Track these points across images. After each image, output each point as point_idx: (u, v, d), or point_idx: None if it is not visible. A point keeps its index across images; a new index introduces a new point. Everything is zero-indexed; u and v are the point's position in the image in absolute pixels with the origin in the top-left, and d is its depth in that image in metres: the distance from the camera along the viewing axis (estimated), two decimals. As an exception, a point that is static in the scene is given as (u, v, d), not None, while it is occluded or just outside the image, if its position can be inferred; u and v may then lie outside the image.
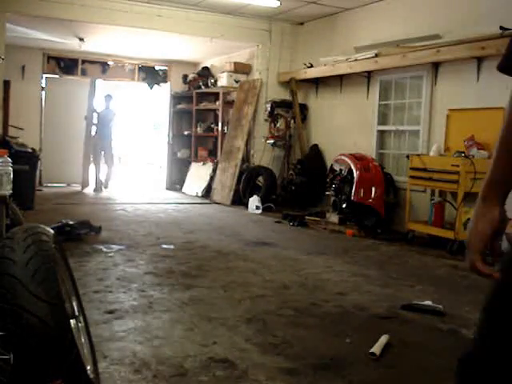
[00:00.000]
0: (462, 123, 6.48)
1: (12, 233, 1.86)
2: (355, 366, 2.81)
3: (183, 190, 11.18)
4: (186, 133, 11.89)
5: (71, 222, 5.86)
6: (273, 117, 9.47)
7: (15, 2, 8.09)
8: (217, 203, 9.57)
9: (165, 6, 8.85)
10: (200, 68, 12.11)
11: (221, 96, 10.59)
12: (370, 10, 8.14)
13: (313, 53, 9.22)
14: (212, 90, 11.10)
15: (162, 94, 12.70)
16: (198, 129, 11.62)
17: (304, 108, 9.51)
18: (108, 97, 11.42)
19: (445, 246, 5.98)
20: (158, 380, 2.54)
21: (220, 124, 10.67)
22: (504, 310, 1.21)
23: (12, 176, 2.65)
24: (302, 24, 9.78)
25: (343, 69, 8.21)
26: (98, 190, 10.73)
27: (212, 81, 11.21)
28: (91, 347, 2.23)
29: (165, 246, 5.68)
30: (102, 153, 11.08)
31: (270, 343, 3.06)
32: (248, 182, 9.40)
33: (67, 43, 10.61)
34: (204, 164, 10.83)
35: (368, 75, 8.04)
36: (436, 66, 6.88)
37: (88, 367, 1.99)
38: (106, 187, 11.01)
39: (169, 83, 12.32)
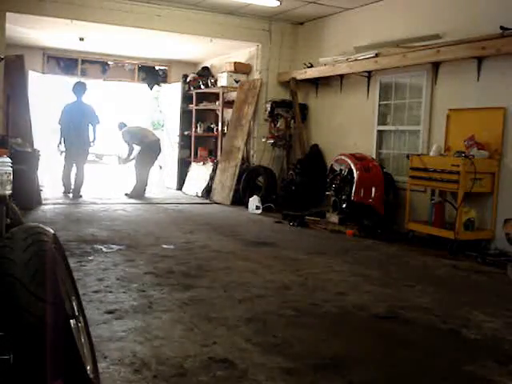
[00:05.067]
0: (462, 123, 6.48)
1: (12, 233, 1.85)
2: (355, 366, 2.81)
3: (183, 189, 11.18)
4: (186, 133, 11.89)
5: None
6: (273, 117, 9.47)
7: (15, 2, 8.09)
8: (217, 203, 9.57)
9: (165, 6, 8.85)
10: (200, 68, 12.10)
11: (221, 96, 10.59)
12: (369, 9, 8.14)
13: (313, 53, 9.22)
14: (212, 90, 11.09)
15: (166, 94, 12.68)
16: (198, 129, 11.62)
17: (304, 108, 9.51)
18: (79, 86, 9.54)
19: (445, 246, 5.98)
20: (158, 380, 2.54)
21: (220, 124, 10.67)
22: None
23: (12, 176, 2.65)
24: (302, 24, 9.78)
25: (343, 69, 8.21)
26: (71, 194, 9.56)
27: (212, 81, 11.21)
28: (91, 347, 2.23)
29: (165, 246, 5.68)
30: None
31: (270, 343, 3.06)
32: (248, 182, 9.40)
33: (67, 43, 10.62)
34: (204, 164, 10.83)
35: (368, 75, 8.04)
36: (436, 65, 6.88)
37: (88, 367, 1.99)
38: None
39: (180, 83, 11.93)
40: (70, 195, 9.53)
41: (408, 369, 2.86)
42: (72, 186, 9.61)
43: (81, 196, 9.46)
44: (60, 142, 9.52)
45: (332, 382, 2.62)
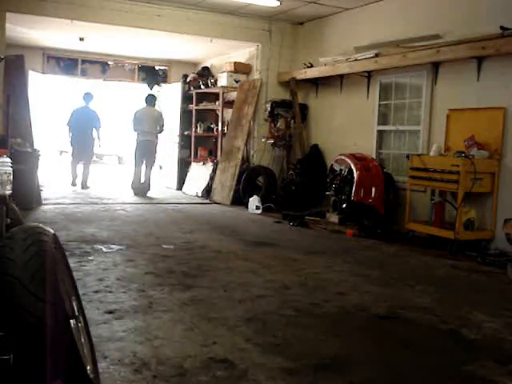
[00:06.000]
0: (462, 123, 6.48)
1: (12, 233, 1.86)
2: (355, 366, 2.81)
3: (183, 189, 11.18)
4: (186, 133, 11.89)
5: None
6: (273, 117, 9.47)
7: (15, 2, 8.09)
8: (217, 203, 9.57)
9: (165, 6, 8.85)
10: (200, 68, 12.10)
11: (221, 96, 10.59)
12: (369, 10, 8.14)
13: (313, 53, 9.22)
14: (212, 90, 11.09)
15: (166, 94, 12.67)
16: (198, 129, 11.62)
17: (304, 108, 9.51)
18: (88, 95, 10.74)
19: (445, 246, 5.98)
20: (158, 380, 2.54)
21: (220, 124, 10.67)
22: None
23: (12, 176, 2.65)
24: (301, 24, 9.78)
25: (343, 69, 8.21)
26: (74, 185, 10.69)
27: (212, 81, 11.21)
28: (91, 347, 2.23)
29: (165, 246, 5.68)
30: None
31: (270, 343, 3.06)
32: (248, 182, 9.40)
33: (67, 43, 10.62)
34: (204, 164, 10.83)
35: (368, 75, 8.04)
36: (436, 65, 6.88)
37: (88, 367, 1.99)
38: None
39: (180, 83, 11.94)
40: (77, 187, 10.59)
41: (408, 369, 2.86)
42: (79, 181, 10.70)
43: (88, 187, 10.59)
44: (71, 141, 10.64)
45: (332, 382, 2.62)
